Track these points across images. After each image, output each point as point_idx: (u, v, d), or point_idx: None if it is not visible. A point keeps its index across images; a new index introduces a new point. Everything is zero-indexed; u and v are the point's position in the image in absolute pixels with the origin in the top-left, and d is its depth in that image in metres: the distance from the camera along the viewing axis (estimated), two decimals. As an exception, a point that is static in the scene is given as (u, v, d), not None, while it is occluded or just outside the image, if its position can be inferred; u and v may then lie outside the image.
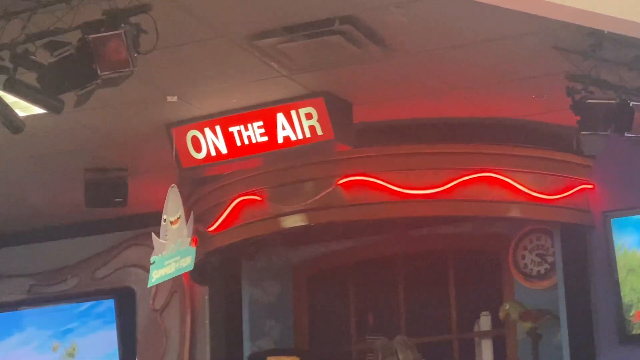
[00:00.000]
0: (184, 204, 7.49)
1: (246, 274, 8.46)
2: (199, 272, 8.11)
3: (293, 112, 7.29)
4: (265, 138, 7.40)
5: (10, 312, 9.51)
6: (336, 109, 7.25)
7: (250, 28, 6.30)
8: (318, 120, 7.23)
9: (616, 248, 7.57)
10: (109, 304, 9.19)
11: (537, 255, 8.03)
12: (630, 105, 6.47)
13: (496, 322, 8.05)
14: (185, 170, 7.73)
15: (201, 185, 7.98)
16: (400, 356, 7.82)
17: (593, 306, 7.66)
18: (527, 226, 8.01)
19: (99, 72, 5.42)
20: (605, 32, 6.08)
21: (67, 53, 5.49)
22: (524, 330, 7.87)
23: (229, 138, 7.50)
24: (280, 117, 7.33)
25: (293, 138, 7.33)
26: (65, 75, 5.51)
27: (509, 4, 5.59)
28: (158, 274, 7.35)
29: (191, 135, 7.59)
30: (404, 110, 7.49)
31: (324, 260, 8.62)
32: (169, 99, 7.14)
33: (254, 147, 7.45)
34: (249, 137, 7.44)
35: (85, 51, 5.43)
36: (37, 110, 6.14)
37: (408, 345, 7.87)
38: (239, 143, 7.48)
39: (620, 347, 7.57)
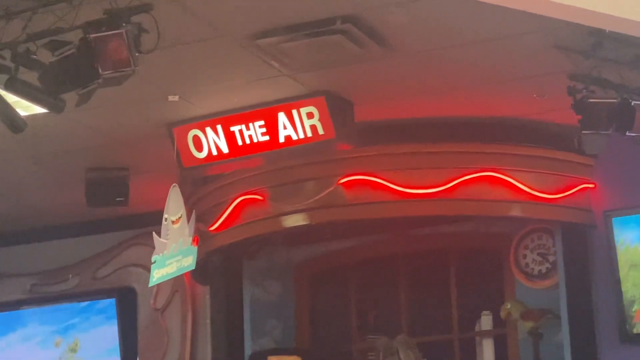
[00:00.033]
0: (185, 203, 7.49)
1: (247, 274, 8.46)
2: (200, 272, 8.11)
3: (294, 112, 7.29)
4: (267, 137, 7.40)
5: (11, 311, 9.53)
6: (337, 108, 7.25)
7: (251, 27, 6.30)
8: (319, 120, 7.23)
9: (618, 244, 7.57)
10: (110, 301, 9.20)
11: (538, 254, 8.03)
12: (632, 104, 6.47)
13: (497, 321, 8.05)
14: (186, 169, 7.73)
15: (202, 184, 7.98)
16: (401, 356, 7.83)
17: (594, 305, 7.66)
18: (528, 225, 8.01)
19: (100, 71, 5.43)
20: (607, 31, 6.08)
21: (69, 52, 5.49)
22: (525, 329, 7.87)
23: (230, 137, 7.50)
24: (282, 117, 7.34)
25: (294, 137, 7.33)
26: (67, 74, 5.51)
27: (510, 3, 5.59)
28: (159, 274, 7.35)
29: (192, 135, 7.59)
30: (405, 110, 7.49)
31: (325, 260, 8.63)
32: (171, 98, 7.14)
33: (255, 147, 7.45)
34: (250, 137, 7.45)
35: (86, 50, 5.43)
36: (38, 109, 6.15)
37: (409, 345, 7.87)
38: (240, 142, 7.48)
39: (622, 347, 7.57)
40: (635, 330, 7.52)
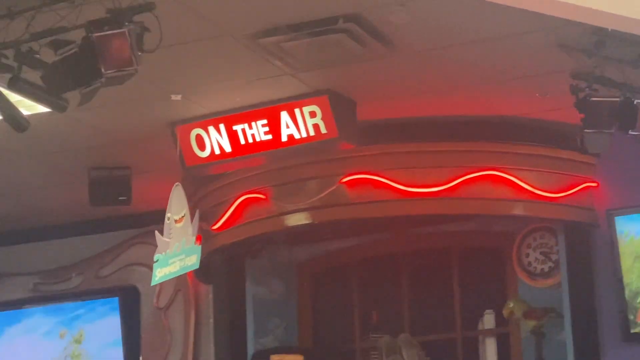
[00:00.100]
0: (188, 202, 7.49)
1: (250, 272, 8.46)
2: (203, 271, 8.11)
3: (297, 111, 7.29)
4: (269, 136, 7.40)
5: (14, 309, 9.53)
6: (340, 107, 7.25)
7: (254, 26, 6.31)
8: (322, 119, 7.23)
9: (623, 235, 7.56)
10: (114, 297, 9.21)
11: (541, 253, 8.03)
12: (635, 103, 6.46)
13: (500, 320, 8.05)
14: (189, 168, 7.73)
15: (205, 183, 7.98)
16: (404, 354, 7.83)
17: (597, 304, 7.66)
18: (531, 224, 8.01)
19: (102, 70, 5.42)
20: (610, 30, 6.08)
21: (71, 52, 5.49)
22: (528, 328, 7.87)
23: (233, 136, 7.50)
24: (284, 116, 7.33)
25: (297, 136, 7.33)
26: (69, 73, 5.51)
27: (512, 2, 5.59)
28: (162, 272, 7.35)
29: (195, 134, 7.59)
30: (407, 109, 7.49)
31: (328, 259, 8.63)
32: (173, 97, 7.15)
33: (257, 146, 7.45)
34: (252, 136, 7.45)
35: (89, 50, 5.43)
36: (41, 109, 6.15)
37: (412, 344, 7.87)
38: (242, 141, 7.48)
39: (624, 345, 7.56)
40: (638, 329, 7.51)
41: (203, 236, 7.64)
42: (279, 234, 8.03)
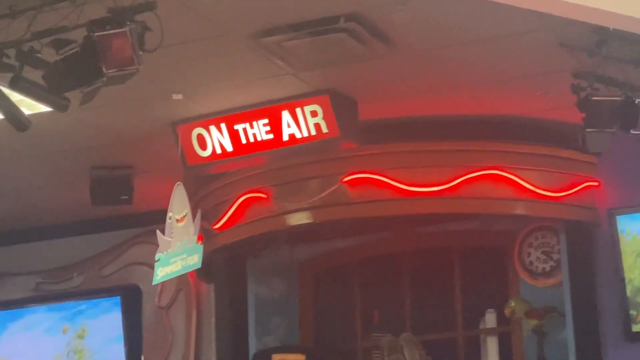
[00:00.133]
0: (189, 201, 7.50)
1: (252, 272, 8.46)
2: (204, 270, 8.11)
3: (298, 110, 7.29)
4: (271, 136, 7.41)
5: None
6: (341, 107, 7.25)
7: (255, 26, 6.31)
8: (323, 118, 7.24)
9: (624, 234, 7.56)
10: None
11: (542, 252, 8.03)
12: (636, 102, 6.46)
13: (501, 319, 8.05)
14: (190, 168, 7.74)
15: (206, 183, 7.99)
16: (406, 353, 7.82)
17: (599, 303, 7.65)
18: (532, 223, 8.00)
19: (104, 70, 5.43)
20: (611, 29, 6.08)
21: (73, 51, 5.49)
22: (529, 327, 7.87)
23: (234, 136, 7.50)
24: (286, 115, 7.34)
25: (298, 136, 7.33)
26: (71, 73, 5.51)
27: (513, 1, 5.59)
28: (163, 272, 7.36)
29: (196, 133, 7.60)
30: (409, 108, 7.49)
31: (330, 258, 8.63)
32: (175, 96, 7.15)
33: (259, 145, 7.45)
34: (254, 135, 7.45)
35: (90, 49, 5.43)
36: (42, 108, 6.15)
37: (414, 343, 7.87)
38: (244, 141, 7.48)
39: (626, 344, 7.56)
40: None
41: (204, 235, 7.65)
42: (281, 234, 8.02)
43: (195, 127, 7.58)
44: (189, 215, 7.39)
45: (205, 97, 7.26)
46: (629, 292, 7.52)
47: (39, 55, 5.65)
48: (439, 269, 8.38)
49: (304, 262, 8.67)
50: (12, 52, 5.68)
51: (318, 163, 7.47)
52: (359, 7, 6.13)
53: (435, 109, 7.50)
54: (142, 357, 9.11)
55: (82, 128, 7.55)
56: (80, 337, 9.27)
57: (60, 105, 5.78)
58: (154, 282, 7.49)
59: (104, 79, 5.47)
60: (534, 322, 7.81)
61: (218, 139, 7.55)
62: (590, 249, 7.73)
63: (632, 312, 7.52)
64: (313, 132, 7.28)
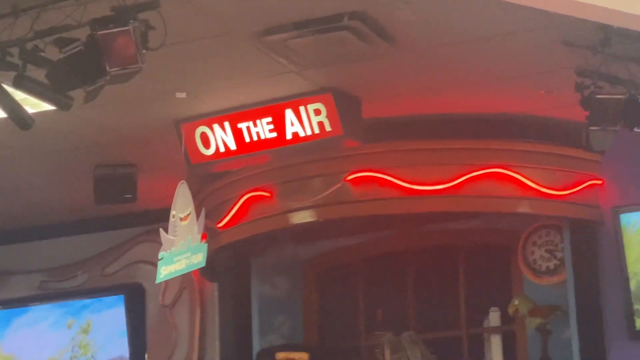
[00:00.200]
0: (193, 200, 7.49)
1: (255, 270, 8.46)
2: (208, 269, 8.09)
3: (302, 108, 7.29)
4: (274, 134, 7.41)
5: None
6: (345, 105, 7.25)
7: (258, 24, 6.31)
8: (327, 116, 7.23)
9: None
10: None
11: (546, 251, 8.02)
12: (640, 100, 6.46)
13: (505, 317, 8.05)
14: (194, 166, 7.74)
15: (210, 181, 7.99)
16: (407, 352, 7.82)
17: (602, 302, 7.65)
18: (536, 222, 8.00)
19: (107, 68, 5.43)
20: (615, 27, 6.07)
21: (76, 50, 5.49)
22: (533, 326, 7.86)
23: (237, 134, 7.50)
24: (289, 113, 7.33)
25: (302, 134, 7.33)
26: (74, 71, 5.51)
27: (517, -1, 5.59)
28: (167, 270, 7.35)
29: (200, 132, 7.60)
30: (412, 106, 7.49)
31: (333, 256, 8.63)
32: (178, 95, 7.15)
33: (262, 143, 7.45)
34: (257, 133, 7.45)
35: (94, 47, 5.43)
36: (46, 106, 6.15)
37: (415, 342, 7.86)
38: (247, 139, 7.48)
39: (630, 343, 7.55)
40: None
41: (208, 234, 7.64)
42: (284, 232, 8.03)
43: (199, 126, 7.59)
44: (193, 214, 7.39)
45: (208, 96, 7.26)
46: (633, 287, 7.52)
47: (43, 53, 5.65)
48: (443, 267, 8.38)
49: (307, 260, 8.67)
50: (15, 50, 5.69)
51: (321, 161, 7.47)
52: (363, 5, 6.12)
53: (439, 107, 7.50)
54: (146, 356, 9.11)
55: (86, 126, 7.56)
56: (85, 331, 9.28)
57: (63, 103, 5.79)
58: (157, 281, 7.49)
59: (107, 77, 5.48)
60: (537, 321, 7.81)
61: (221, 138, 7.55)
62: (594, 247, 7.73)
63: (637, 307, 7.52)
64: (316, 131, 7.28)
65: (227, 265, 8.38)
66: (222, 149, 7.57)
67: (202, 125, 7.58)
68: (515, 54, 6.69)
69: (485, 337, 8.20)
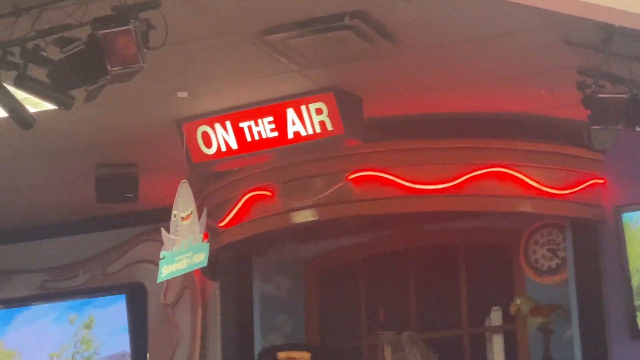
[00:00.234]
0: (195, 199, 7.49)
1: (257, 270, 8.46)
2: (210, 268, 8.08)
3: (303, 108, 7.29)
4: (276, 133, 7.40)
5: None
6: (346, 104, 7.25)
7: (259, 23, 6.30)
8: (328, 116, 7.23)
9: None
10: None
11: (548, 250, 8.02)
12: (641, 99, 6.46)
13: (507, 317, 8.04)
14: (195, 165, 7.74)
15: (211, 180, 7.99)
16: (407, 352, 7.81)
17: (604, 301, 7.64)
18: (538, 221, 7.99)
19: (108, 68, 5.43)
20: (616, 26, 6.07)
21: (77, 49, 5.49)
22: (535, 325, 7.86)
23: (239, 133, 7.50)
24: (291, 113, 7.33)
25: (303, 133, 7.33)
26: (75, 71, 5.51)
27: (518, -2, 5.58)
28: (168, 270, 7.35)
29: (201, 131, 7.60)
30: (414, 105, 7.48)
31: (335, 256, 8.63)
32: (179, 94, 7.15)
33: (264, 143, 7.45)
34: (259, 133, 7.45)
35: (95, 47, 5.43)
36: (47, 106, 6.15)
37: (415, 341, 7.86)
38: (249, 138, 7.48)
39: (632, 342, 7.55)
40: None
41: (210, 233, 7.64)
42: (286, 231, 8.03)
43: (201, 125, 7.58)
44: (195, 213, 7.39)
45: (210, 95, 7.26)
46: (636, 282, 7.51)
47: (44, 53, 5.65)
48: (445, 266, 8.37)
49: (309, 259, 8.67)
50: (16, 50, 5.69)
51: (323, 161, 7.47)
52: (364, 4, 6.12)
53: (440, 106, 7.49)
54: (148, 355, 9.11)
55: (87, 126, 7.56)
56: (88, 327, 9.28)
57: (64, 103, 5.78)
58: (159, 280, 7.49)
59: (109, 76, 5.47)
60: (539, 320, 7.81)
61: (223, 137, 7.55)
62: (596, 246, 7.73)
63: (638, 303, 7.51)
64: (318, 130, 7.28)
65: (229, 264, 8.38)
66: (223, 149, 7.57)
67: (204, 124, 7.58)
68: (516, 54, 6.69)
69: (486, 336, 8.20)
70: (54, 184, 8.62)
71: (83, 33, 5.53)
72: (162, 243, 7.52)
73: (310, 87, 7.18)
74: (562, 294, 7.79)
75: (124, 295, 9.17)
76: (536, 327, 7.86)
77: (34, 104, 6.27)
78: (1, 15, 5.65)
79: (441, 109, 7.52)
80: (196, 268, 7.41)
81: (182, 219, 7.44)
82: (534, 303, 7.84)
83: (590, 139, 6.62)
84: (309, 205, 7.48)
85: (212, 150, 7.61)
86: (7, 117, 5.99)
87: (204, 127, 7.58)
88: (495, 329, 8.13)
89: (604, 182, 7.69)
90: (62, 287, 9.45)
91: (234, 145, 7.54)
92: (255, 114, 7.42)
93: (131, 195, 8.26)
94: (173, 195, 7.53)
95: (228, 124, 7.51)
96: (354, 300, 8.57)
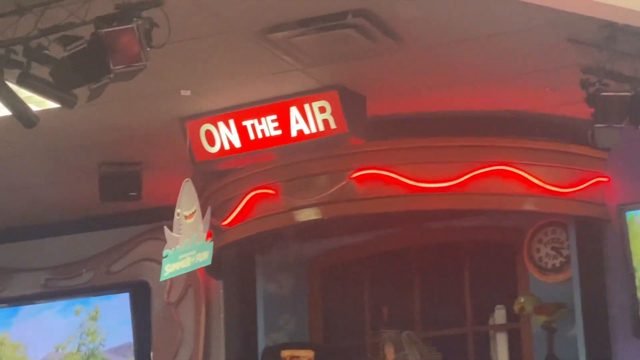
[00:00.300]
0: (198, 198, 7.49)
1: (260, 268, 8.46)
2: (213, 267, 8.08)
3: (306, 106, 7.29)
4: (279, 132, 7.40)
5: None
6: (350, 103, 7.24)
7: (263, 22, 6.30)
8: (331, 114, 7.23)
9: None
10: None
11: (552, 248, 8.01)
12: (645, 97, 6.45)
13: (511, 315, 8.04)
14: (198, 164, 7.74)
15: (214, 179, 7.98)
16: (407, 351, 7.80)
17: (608, 299, 7.63)
18: (541, 219, 7.98)
19: (111, 66, 5.43)
20: (620, 24, 6.06)
21: (80, 47, 5.49)
22: (538, 323, 7.85)
23: (242, 132, 7.50)
24: (294, 111, 7.33)
25: (306, 132, 7.33)
26: (78, 69, 5.52)
27: (522, -4, 5.58)
28: (171, 268, 7.35)
29: (205, 129, 7.60)
30: (417, 104, 7.48)
31: (338, 254, 8.62)
32: (183, 93, 7.15)
33: (267, 141, 7.45)
34: (262, 131, 7.45)
35: (98, 45, 5.43)
36: (50, 104, 6.16)
37: (414, 341, 7.84)
38: (252, 137, 7.48)
39: (636, 340, 7.54)
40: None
41: (213, 232, 7.64)
42: (289, 230, 8.02)
43: (204, 123, 7.58)
44: (198, 212, 7.39)
45: (213, 93, 7.26)
46: (638, 281, 7.50)
47: (47, 51, 5.65)
48: (448, 265, 8.37)
49: (312, 258, 8.67)
50: (19, 48, 5.69)
51: (326, 159, 7.46)
52: (367, 2, 6.12)
53: (444, 104, 7.49)
54: (152, 353, 9.12)
55: (90, 124, 7.56)
56: (94, 318, 9.28)
57: (67, 101, 5.79)
58: (162, 279, 7.49)
59: (112, 75, 5.47)
60: (543, 318, 7.80)
61: (226, 135, 7.55)
62: (600, 244, 7.72)
63: (640, 299, 7.53)
64: (321, 128, 7.28)
65: (232, 263, 8.38)
66: (226, 147, 7.57)
67: (207, 122, 7.57)
68: (520, 52, 6.68)
69: (490, 334, 8.20)
70: (57, 182, 8.63)
71: (86, 31, 5.53)
72: (165, 241, 7.51)
73: (313, 86, 7.18)
74: (566, 292, 7.78)
75: (127, 294, 9.17)
76: (540, 326, 7.85)
77: (37, 103, 6.28)
78: (4, 14, 5.66)
79: (445, 107, 7.52)
80: (200, 267, 7.41)
81: (186, 217, 7.44)
82: (538, 301, 7.83)
83: (594, 137, 6.61)
84: (313, 203, 7.48)
85: (215, 149, 7.61)
86: (10, 116, 6.00)
87: (207, 126, 7.58)
88: (499, 328, 8.13)
89: (608, 180, 7.68)
90: (65, 285, 9.45)
91: (237, 143, 7.54)
92: (258, 112, 7.42)
93: (134, 193, 8.27)
94: (176, 194, 7.53)
95: (231, 122, 7.51)
96: (357, 299, 8.56)
